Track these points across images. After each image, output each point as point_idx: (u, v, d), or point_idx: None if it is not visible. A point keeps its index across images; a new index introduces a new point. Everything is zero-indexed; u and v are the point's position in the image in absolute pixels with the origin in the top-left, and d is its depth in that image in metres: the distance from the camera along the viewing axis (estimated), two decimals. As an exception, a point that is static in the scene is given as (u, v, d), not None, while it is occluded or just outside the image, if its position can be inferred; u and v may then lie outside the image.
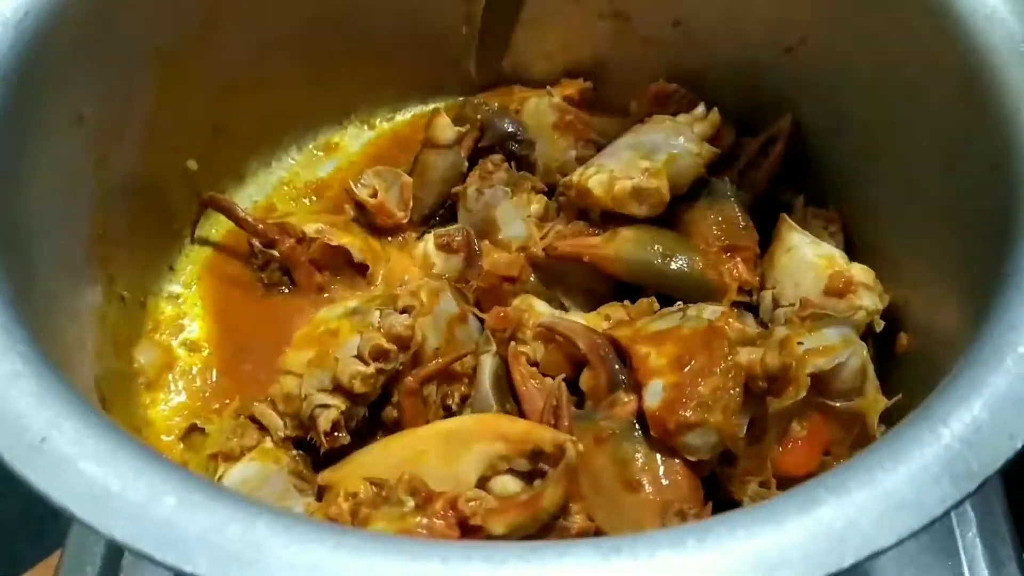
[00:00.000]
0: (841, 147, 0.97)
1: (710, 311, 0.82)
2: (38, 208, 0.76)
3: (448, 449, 0.74)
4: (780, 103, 1.01)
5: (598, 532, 0.72)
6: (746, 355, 0.76)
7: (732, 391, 0.74)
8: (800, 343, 0.78)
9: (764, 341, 0.79)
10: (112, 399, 0.84)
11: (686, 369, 0.76)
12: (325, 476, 0.77)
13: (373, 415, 0.83)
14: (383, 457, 0.77)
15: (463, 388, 0.85)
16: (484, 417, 0.82)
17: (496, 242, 0.95)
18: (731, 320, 0.78)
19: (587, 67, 1.11)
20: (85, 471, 0.51)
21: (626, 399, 0.78)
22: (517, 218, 0.95)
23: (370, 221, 0.99)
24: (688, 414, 0.73)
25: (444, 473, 0.72)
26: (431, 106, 1.14)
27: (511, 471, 0.73)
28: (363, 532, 0.59)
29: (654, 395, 0.76)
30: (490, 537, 0.65)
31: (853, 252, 0.94)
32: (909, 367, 0.85)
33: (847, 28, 0.90)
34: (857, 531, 0.51)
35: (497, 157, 1.00)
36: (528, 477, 0.73)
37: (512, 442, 0.73)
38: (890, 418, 0.80)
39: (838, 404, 0.78)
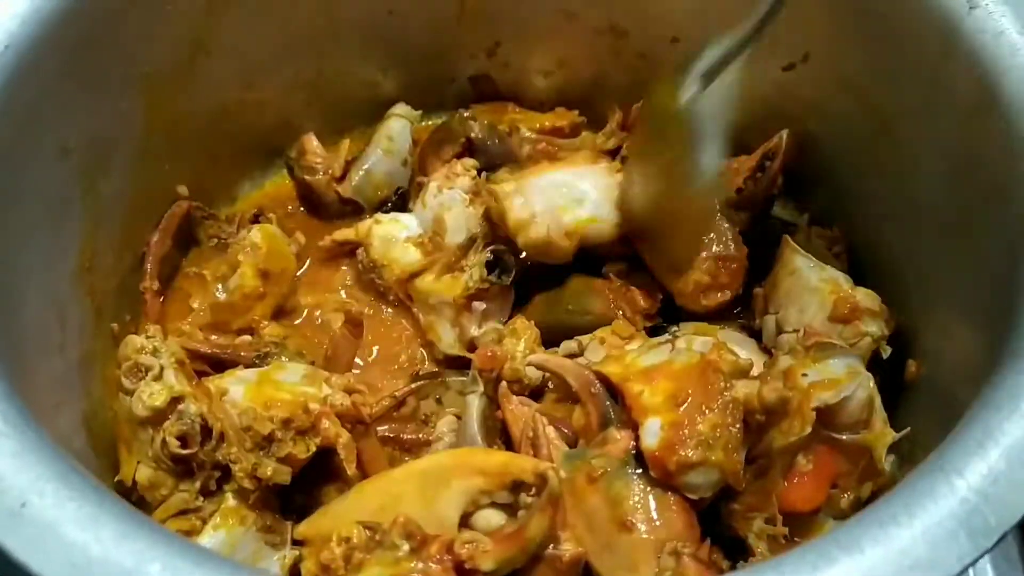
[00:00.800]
0: (845, 165, 0.95)
1: (700, 342, 0.79)
2: (22, 243, 0.74)
3: (426, 489, 0.72)
4: (782, 120, 0.99)
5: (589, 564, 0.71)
6: (743, 389, 0.74)
7: (732, 428, 0.73)
8: (804, 375, 0.76)
9: (768, 371, 0.77)
10: (100, 434, 0.83)
11: (682, 407, 0.74)
12: (301, 530, 0.74)
13: (324, 464, 0.80)
14: (359, 503, 0.74)
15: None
16: (458, 452, 0.79)
17: (437, 244, 0.95)
18: (723, 352, 0.76)
19: (585, 84, 1.09)
20: (66, 537, 0.49)
21: (618, 436, 0.76)
22: (463, 228, 0.94)
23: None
24: (689, 453, 0.71)
25: (425, 514, 0.69)
26: (427, 122, 1.12)
27: (493, 504, 0.71)
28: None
29: (651, 435, 0.73)
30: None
31: (858, 273, 0.92)
32: (919, 395, 0.83)
33: (850, 46, 0.89)
34: (871, 592, 0.49)
35: (469, 162, 0.98)
36: (511, 508, 0.71)
37: (491, 475, 0.71)
38: (899, 448, 0.79)
39: (844, 437, 0.77)
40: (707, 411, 0.73)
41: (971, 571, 0.94)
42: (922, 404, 0.82)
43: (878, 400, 0.78)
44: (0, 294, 0.68)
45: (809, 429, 0.74)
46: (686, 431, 0.72)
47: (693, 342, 0.79)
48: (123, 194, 0.90)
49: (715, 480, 0.72)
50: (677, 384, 0.75)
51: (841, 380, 0.76)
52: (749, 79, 0.95)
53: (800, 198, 1.01)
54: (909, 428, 0.77)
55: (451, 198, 0.95)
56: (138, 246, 0.94)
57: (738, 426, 0.73)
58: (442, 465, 0.74)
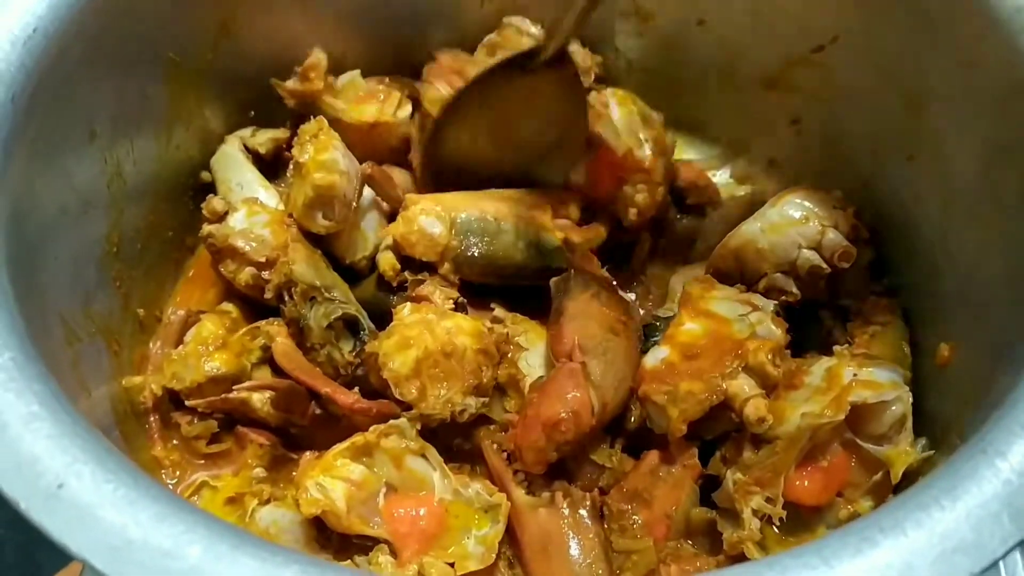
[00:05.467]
0: (876, 148, 0.94)
1: (765, 328, 0.82)
2: (53, 230, 0.74)
3: None
4: (810, 105, 0.98)
5: None
6: (737, 387, 0.77)
7: (701, 403, 0.77)
8: (852, 372, 0.78)
9: (808, 367, 0.80)
10: (128, 418, 0.83)
11: (688, 359, 0.80)
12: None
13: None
14: None
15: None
16: None
17: None
18: (765, 353, 0.78)
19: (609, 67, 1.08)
20: (104, 519, 0.49)
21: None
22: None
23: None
24: (657, 396, 0.78)
25: None
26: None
27: None
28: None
29: (653, 359, 0.82)
30: None
31: (889, 256, 0.93)
32: (951, 379, 0.82)
33: (882, 27, 0.87)
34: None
35: None
36: None
37: None
38: (931, 432, 0.79)
39: (868, 446, 0.77)
40: (697, 377, 0.78)
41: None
42: (954, 388, 0.81)
43: (910, 421, 0.78)
44: (30, 280, 0.67)
45: (842, 416, 0.74)
46: (670, 378, 0.79)
47: (762, 323, 0.82)
48: (148, 179, 0.90)
49: (662, 426, 0.79)
50: (705, 341, 0.81)
51: (884, 386, 0.77)
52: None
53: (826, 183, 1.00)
54: (932, 452, 0.77)
55: None
56: (163, 232, 0.94)
57: (705, 404, 0.77)
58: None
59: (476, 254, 0.88)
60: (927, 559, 0.49)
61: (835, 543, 0.50)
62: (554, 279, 0.87)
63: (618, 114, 0.94)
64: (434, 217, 0.86)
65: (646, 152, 0.93)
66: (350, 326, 0.83)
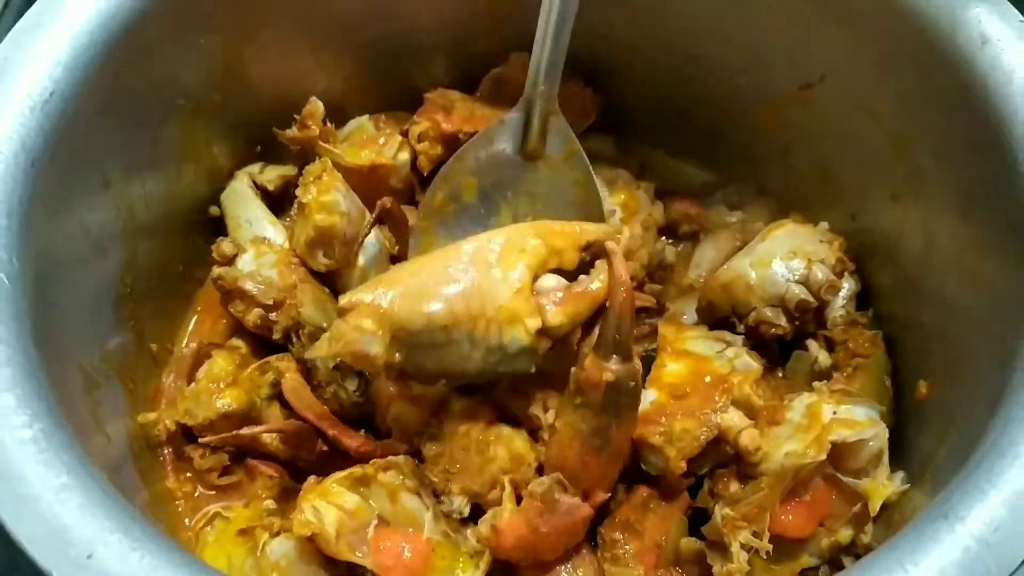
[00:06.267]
0: (861, 186, 0.96)
1: (743, 363, 0.86)
2: (71, 283, 0.78)
3: (501, 259, 0.78)
4: (799, 139, 1.01)
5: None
6: (729, 420, 0.82)
7: (697, 440, 0.81)
8: (832, 409, 0.82)
9: (790, 402, 0.84)
10: (145, 454, 0.87)
11: (677, 399, 0.84)
12: (344, 302, 0.76)
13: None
14: (420, 275, 0.77)
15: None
16: (535, 224, 0.84)
17: None
18: (748, 385, 0.82)
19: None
20: (131, 587, 0.53)
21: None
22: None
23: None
24: (653, 438, 0.81)
25: (494, 284, 0.76)
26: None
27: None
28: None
29: (643, 402, 0.83)
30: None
31: (871, 292, 0.96)
32: (929, 415, 0.86)
33: (869, 68, 0.90)
34: (878, 637, 0.53)
35: None
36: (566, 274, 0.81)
37: (567, 238, 0.81)
38: (909, 467, 0.83)
39: (847, 480, 0.81)
40: (690, 416, 0.82)
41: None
42: (931, 423, 0.85)
43: (886, 456, 0.82)
44: (52, 339, 0.71)
45: (823, 456, 0.78)
46: (664, 419, 0.82)
47: (739, 358, 0.87)
48: (159, 218, 0.93)
49: (659, 467, 0.82)
50: (691, 379, 0.85)
51: (862, 424, 0.81)
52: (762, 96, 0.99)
53: (815, 211, 1.02)
54: (908, 486, 0.81)
55: None
56: (174, 266, 0.97)
57: (702, 440, 0.81)
58: (520, 232, 0.80)
59: (423, 369, 0.78)
60: (891, 621, 0.54)
61: (805, 607, 0.55)
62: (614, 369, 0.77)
63: None
64: (369, 335, 0.74)
65: (616, 223, 0.97)
66: (356, 366, 0.87)
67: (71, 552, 0.54)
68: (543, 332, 0.77)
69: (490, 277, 0.76)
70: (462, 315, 0.75)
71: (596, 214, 0.91)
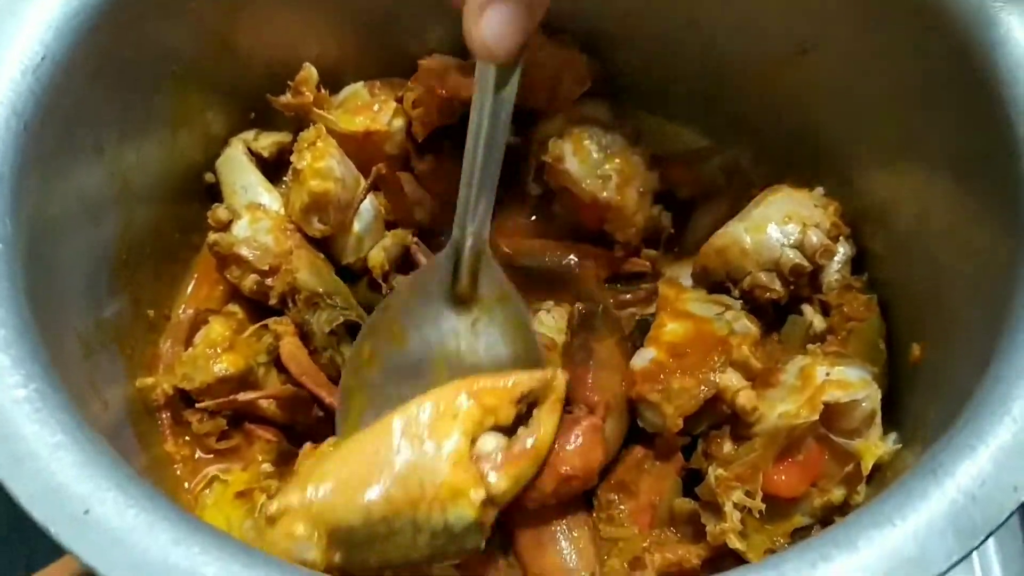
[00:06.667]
0: (856, 152, 0.96)
1: (742, 324, 0.88)
2: (66, 249, 0.78)
3: (430, 432, 0.72)
4: (793, 104, 1.01)
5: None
6: (727, 379, 0.82)
7: (694, 398, 0.82)
8: (824, 371, 0.82)
9: (784, 365, 0.84)
10: (144, 420, 0.88)
11: (676, 357, 0.85)
12: (276, 508, 0.70)
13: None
14: (346, 469, 0.72)
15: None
16: (458, 384, 0.77)
17: None
18: (747, 346, 0.82)
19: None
20: (127, 541, 0.54)
21: None
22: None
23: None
24: (652, 395, 0.82)
25: (428, 459, 0.71)
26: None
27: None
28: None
29: (642, 359, 0.86)
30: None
31: (865, 256, 0.96)
32: (923, 377, 0.86)
33: (860, 38, 0.89)
34: (864, 589, 0.54)
35: None
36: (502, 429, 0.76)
37: (500, 397, 0.76)
38: (902, 428, 0.84)
39: (840, 440, 0.81)
40: (688, 374, 0.83)
41: (975, 556, 1.01)
42: (924, 386, 0.85)
43: (879, 417, 0.83)
44: (48, 303, 0.71)
45: (816, 417, 0.79)
46: (662, 376, 0.83)
47: (738, 320, 0.88)
48: (154, 184, 0.93)
49: (657, 424, 0.84)
50: (690, 338, 0.86)
51: (854, 385, 0.82)
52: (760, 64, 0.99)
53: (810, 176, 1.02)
54: (900, 446, 0.81)
55: None
56: (170, 233, 0.97)
57: (700, 398, 0.82)
58: (449, 394, 0.74)
59: (367, 565, 0.72)
60: (876, 573, 0.54)
61: (794, 558, 0.55)
62: (580, 307, 0.89)
63: (575, 164, 0.97)
64: (303, 542, 0.68)
65: (612, 188, 0.97)
66: (352, 331, 0.88)
67: (68, 508, 0.55)
68: (488, 502, 0.71)
69: (424, 453, 0.71)
70: (401, 502, 0.69)
71: (533, 357, 0.83)
